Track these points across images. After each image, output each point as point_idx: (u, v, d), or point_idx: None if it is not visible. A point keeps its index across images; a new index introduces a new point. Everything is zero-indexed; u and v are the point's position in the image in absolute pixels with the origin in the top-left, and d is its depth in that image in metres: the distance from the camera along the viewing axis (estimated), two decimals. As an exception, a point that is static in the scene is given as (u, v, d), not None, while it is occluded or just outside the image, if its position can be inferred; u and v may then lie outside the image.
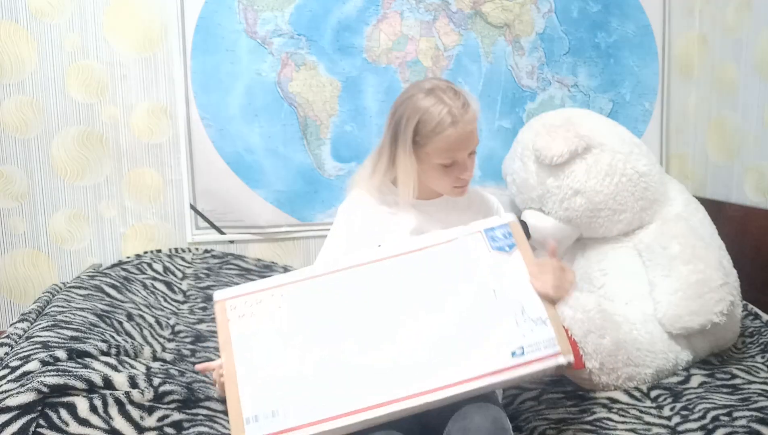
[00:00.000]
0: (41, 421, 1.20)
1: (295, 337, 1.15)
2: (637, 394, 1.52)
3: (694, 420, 1.36)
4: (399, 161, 1.36)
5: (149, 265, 2.11)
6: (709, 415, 1.36)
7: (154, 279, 2.04)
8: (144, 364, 1.48)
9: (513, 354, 1.12)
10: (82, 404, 1.24)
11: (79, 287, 1.83)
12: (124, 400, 1.27)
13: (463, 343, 1.13)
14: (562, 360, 1.13)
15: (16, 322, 1.62)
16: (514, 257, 1.21)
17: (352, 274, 1.21)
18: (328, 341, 1.14)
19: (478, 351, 1.12)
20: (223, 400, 1.37)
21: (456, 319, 1.15)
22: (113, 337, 1.55)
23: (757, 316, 1.88)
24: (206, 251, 2.30)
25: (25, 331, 1.55)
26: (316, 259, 1.51)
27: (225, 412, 1.36)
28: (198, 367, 1.31)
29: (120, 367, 1.40)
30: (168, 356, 1.59)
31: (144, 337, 1.66)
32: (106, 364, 1.39)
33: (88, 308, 1.68)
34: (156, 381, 1.35)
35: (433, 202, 1.44)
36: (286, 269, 2.31)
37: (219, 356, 1.66)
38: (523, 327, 1.15)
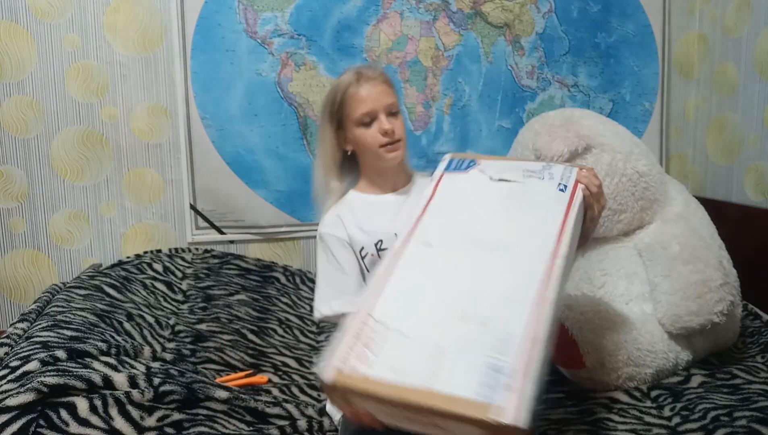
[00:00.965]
0: (41, 421, 1.20)
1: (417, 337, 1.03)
2: (637, 394, 1.52)
3: (695, 420, 1.36)
4: (325, 150, 1.42)
5: (149, 265, 2.11)
6: (710, 415, 1.36)
7: (154, 279, 2.04)
8: (144, 364, 1.48)
9: (561, 190, 1.21)
10: (82, 404, 1.24)
11: (79, 287, 1.83)
12: (124, 400, 1.27)
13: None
14: (583, 171, 1.25)
15: (16, 322, 1.62)
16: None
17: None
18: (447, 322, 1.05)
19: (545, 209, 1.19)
20: (222, 400, 1.37)
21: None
22: (113, 337, 1.55)
23: (757, 316, 1.88)
24: (206, 251, 2.30)
25: (25, 331, 1.55)
26: (321, 291, 1.38)
27: (224, 412, 1.37)
28: None
29: (120, 367, 1.40)
30: (168, 356, 1.59)
31: (144, 337, 1.66)
32: (106, 364, 1.39)
33: (88, 308, 1.68)
34: (156, 381, 1.34)
35: (396, 196, 1.43)
36: (286, 269, 2.31)
37: (219, 356, 1.67)
38: (546, 178, 1.24)
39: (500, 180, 1.25)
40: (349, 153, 1.42)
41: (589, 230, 1.30)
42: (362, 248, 1.35)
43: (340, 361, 0.97)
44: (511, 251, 1.12)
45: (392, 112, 1.37)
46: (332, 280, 1.36)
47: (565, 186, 1.23)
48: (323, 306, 1.35)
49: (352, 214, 1.39)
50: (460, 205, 1.22)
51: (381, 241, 1.35)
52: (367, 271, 1.36)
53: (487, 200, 1.22)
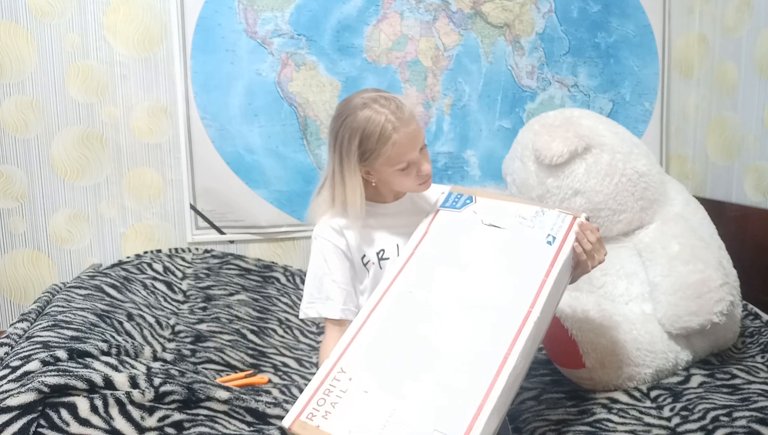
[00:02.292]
0: (42, 421, 1.19)
1: (384, 389, 1.09)
2: (637, 394, 1.52)
3: (694, 420, 1.36)
4: (347, 182, 1.33)
5: (149, 265, 2.11)
6: (709, 416, 1.36)
7: (154, 279, 2.04)
8: (144, 364, 1.48)
9: (549, 243, 1.24)
10: (82, 404, 1.24)
11: (79, 287, 1.83)
12: (124, 400, 1.27)
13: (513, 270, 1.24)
14: (582, 217, 1.29)
15: (16, 322, 1.62)
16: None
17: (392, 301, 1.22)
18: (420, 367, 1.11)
19: (528, 262, 1.23)
20: (223, 401, 1.37)
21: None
22: (113, 337, 1.56)
23: (757, 316, 1.88)
24: (206, 251, 2.30)
25: (25, 331, 1.55)
26: (309, 294, 1.38)
27: (225, 413, 1.37)
28: None
29: (120, 367, 1.40)
30: (168, 356, 1.59)
31: (144, 337, 1.66)
32: (107, 364, 1.39)
33: (88, 308, 1.68)
34: (156, 381, 1.34)
35: (397, 204, 1.43)
36: (286, 269, 2.31)
37: (219, 356, 1.67)
38: (536, 226, 1.28)
39: (491, 225, 1.29)
40: (374, 184, 1.36)
41: (577, 277, 1.34)
42: (364, 256, 1.37)
43: (300, 409, 1.08)
44: (486, 309, 1.17)
45: (423, 147, 1.33)
46: (321, 286, 1.36)
47: (554, 238, 1.25)
48: (309, 309, 1.37)
49: (356, 227, 1.36)
50: (447, 252, 1.27)
51: (383, 250, 1.36)
52: (367, 272, 1.37)
53: (473, 248, 1.27)
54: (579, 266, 1.31)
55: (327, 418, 1.05)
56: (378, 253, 1.36)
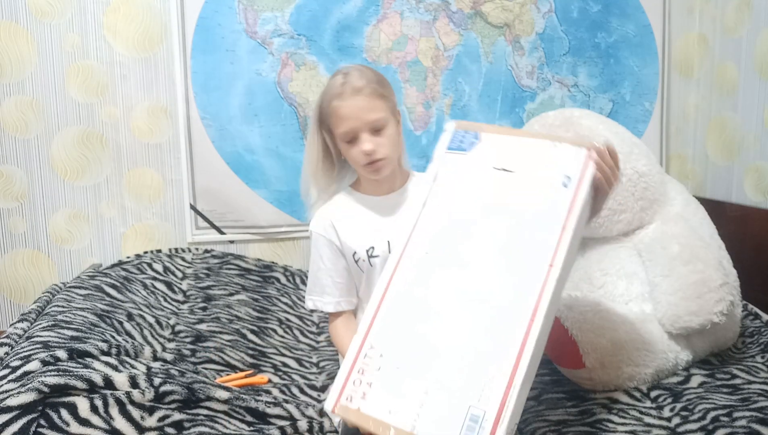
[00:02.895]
0: (42, 421, 1.20)
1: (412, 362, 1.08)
2: (637, 394, 1.52)
3: (694, 421, 1.36)
4: (310, 142, 1.39)
5: (149, 265, 2.11)
6: (709, 416, 1.36)
7: (154, 279, 2.04)
8: (144, 364, 1.48)
9: (564, 184, 1.13)
10: (82, 404, 1.24)
11: (79, 287, 1.83)
12: (124, 400, 1.27)
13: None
14: (593, 155, 1.14)
15: (16, 322, 1.62)
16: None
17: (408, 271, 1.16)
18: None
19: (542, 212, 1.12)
20: (223, 400, 1.37)
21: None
22: (114, 337, 1.56)
23: (757, 316, 1.88)
24: (206, 251, 2.30)
25: (25, 331, 1.55)
26: (309, 285, 1.43)
27: (225, 413, 1.37)
28: None
29: (120, 367, 1.40)
30: (168, 356, 1.59)
31: (144, 337, 1.66)
32: (107, 364, 1.39)
33: (88, 308, 1.68)
34: (156, 381, 1.35)
35: (392, 198, 1.42)
36: (286, 269, 2.31)
37: (219, 356, 1.67)
38: (549, 166, 1.15)
39: (501, 169, 1.18)
40: (343, 158, 1.39)
41: (599, 206, 1.23)
42: (355, 253, 1.36)
43: (339, 391, 1.07)
44: (502, 272, 1.09)
45: (377, 129, 1.31)
46: (318, 280, 1.40)
47: (569, 178, 1.14)
48: (308, 300, 1.42)
49: (346, 219, 1.38)
50: (458, 206, 1.17)
51: (372, 247, 1.36)
52: (362, 272, 1.37)
53: (485, 198, 1.17)
54: (598, 193, 1.19)
55: (366, 399, 1.05)
56: (368, 251, 1.36)
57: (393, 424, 1.01)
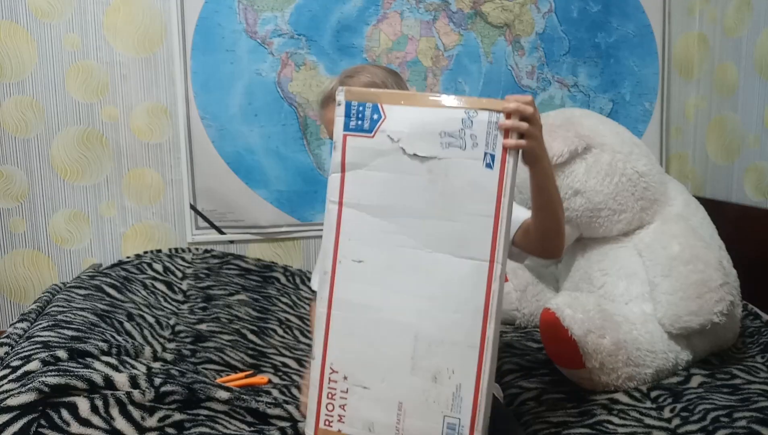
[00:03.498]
0: (42, 421, 1.20)
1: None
2: (637, 394, 1.52)
3: (695, 422, 1.36)
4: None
5: (149, 265, 2.11)
6: (710, 416, 1.36)
7: (154, 279, 2.04)
8: (145, 364, 1.48)
9: (488, 165, 1.01)
10: (83, 404, 1.24)
11: (79, 287, 1.83)
12: (125, 400, 1.27)
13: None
14: (506, 121, 1.00)
15: (16, 322, 1.62)
16: None
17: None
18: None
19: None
20: (223, 401, 1.37)
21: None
22: (114, 337, 1.55)
23: (757, 316, 1.88)
24: (206, 251, 2.30)
25: (25, 331, 1.55)
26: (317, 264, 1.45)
27: (225, 413, 1.37)
28: None
29: (121, 367, 1.40)
30: (168, 356, 1.59)
31: (144, 337, 1.66)
32: (107, 364, 1.39)
33: (88, 308, 1.68)
34: (157, 381, 1.34)
35: None
36: (286, 269, 2.31)
37: (219, 357, 1.67)
38: (468, 145, 1.02)
39: (415, 155, 1.04)
40: None
41: (543, 181, 1.10)
42: None
43: (315, 417, 1.08)
44: (446, 273, 1.03)
45: None
46: (320, 260, 1.38)
47: (492, 157, 1.01)
48: (313, 280, 1.47)
49: None
50: (381, 201, 1.06)
51: None
52: None
53: (407, 191, 1.05)
54: (529, 158, 1.07)
55: (343, 422, 1.06)
56: None
57: None
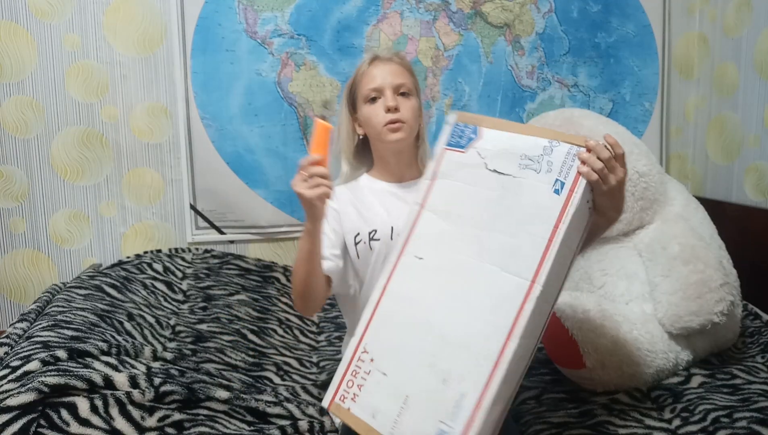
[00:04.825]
0: (42, 421, 1.20)
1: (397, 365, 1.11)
2: (637, 394, 1.51)
3: (695, 422, 1.36)
4: (341, 128, 1.44)
5: (149, 265, 2.11)
6: (710, 417, 1.36)
7: (154, 279, 2.04)
8: (145, 364, 1.48)
9: (556, 191, 1.06)
10: (82, 404, 1.24)
11: (79, 287, 1.83)
12: (124, 400, 1.27)
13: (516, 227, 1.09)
14: (584, 154, 1.07)
15: (16, 322, 1.62)
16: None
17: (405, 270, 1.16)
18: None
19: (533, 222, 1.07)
20: (223, 400, 1.37)
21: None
22: (114, 337, 1.55)
23: (757, 316, 1.88)
24: (206, 251, 2.30)
25: (25, 331, 1.55)
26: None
27: (225, 412, 1.37)
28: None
29: (121, 367, 1.40)
30: (168, 356, 1.59)
31: (144, 337, 1.66)
32: (107, 363, 1.39)
33: (88, 308, 1.68)
34: (157, 381, 1.35)
35: (405, 186, 1.43)
36: (286, 269, 2.31)
37: (219, 357, 1.67)
38: (543, 169, 1.08)
39: (495, 171, 1.12)
40: (361, 137, 1.44)
41: (605, 206, 1.12)
42: (357, 235, 1.35)
43: (335, 390, 1.12)
44: (488, 284, 1.06)
45: (402, 93, 1.37)
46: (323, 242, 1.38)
47: (562, 184, 1.06)
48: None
49: (356, 198, 1.41)
50: (454, 210, 1.15)
51: (375, 230, 1.35)
52: (358, 257, 1.35)
53: (478, 204, 1.13)
54: (598, 194, 1.09)
55: (355, 401, 1.10)
56: (370, 233, 1.35)
57: (374, 427, 1.06)
